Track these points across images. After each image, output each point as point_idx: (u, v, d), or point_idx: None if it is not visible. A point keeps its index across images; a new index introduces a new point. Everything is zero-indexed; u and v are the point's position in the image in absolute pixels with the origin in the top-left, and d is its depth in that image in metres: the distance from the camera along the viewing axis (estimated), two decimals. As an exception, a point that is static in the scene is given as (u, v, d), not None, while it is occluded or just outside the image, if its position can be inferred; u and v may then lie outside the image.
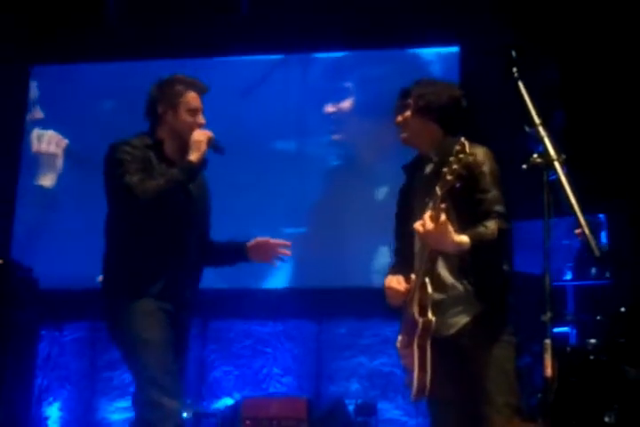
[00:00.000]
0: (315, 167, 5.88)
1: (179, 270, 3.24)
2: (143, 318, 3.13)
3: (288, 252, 3.46)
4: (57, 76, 6.20)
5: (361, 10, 5.75)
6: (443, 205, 2.58)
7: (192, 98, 3.29)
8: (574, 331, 4.74)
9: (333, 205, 5.76)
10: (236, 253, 3.48)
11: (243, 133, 5.76)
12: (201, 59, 6.07)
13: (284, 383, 5.87)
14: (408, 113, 2.96)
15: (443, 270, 2.84)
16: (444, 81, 3.06)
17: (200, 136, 3.22)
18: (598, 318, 4.51)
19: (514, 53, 2.40)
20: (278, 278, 5.81)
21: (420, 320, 2.76)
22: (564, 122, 5.13)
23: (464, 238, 2.66)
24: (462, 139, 2.56)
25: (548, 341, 2.15)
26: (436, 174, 2.69)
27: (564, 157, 2.22)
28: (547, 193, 2.20)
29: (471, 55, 5.50)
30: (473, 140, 2.84)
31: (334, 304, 5.81)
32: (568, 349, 4.46)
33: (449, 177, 2.55)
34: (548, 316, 2.14)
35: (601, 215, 4.98)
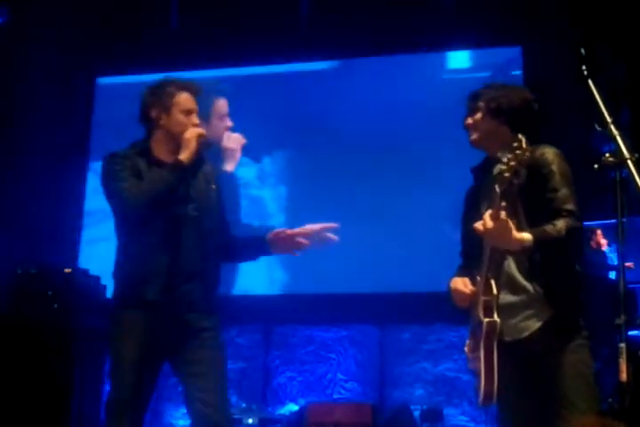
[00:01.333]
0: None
1: (177, 273, 3.17)
2: (121, 333, 3.14)
3: (306, 241, 3.35)
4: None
5: (418, 12, 5.74)
6: (503, 204, 2.55)
7: (185, 99, 3.26)
8: (645, 335, 4.63)
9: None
10: (257, 247, 3.41)
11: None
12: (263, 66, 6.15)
13: (348, 389, 5.85)
14: (479, 115, 2.93)
15: (514, 272, 2.80)
16: (514, 84, 3.04)
17: (190, 134, 3.20)
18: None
19: (583, 51, 2.36)
20: (341, 283, 5.80)
21: (485, 321, 2.73)
22: (631, 120, 5.03)
23: (526, 236, 2.62)
24: (519, 135, 2.53)
25: (622, 345, 2.10)
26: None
27: (637, 155, 2.17)
28: (620, 192, 2.15)
29: (534, 55, 5.43)
30: (541, 140, 2.80)
31: (397, 309, 5.78)
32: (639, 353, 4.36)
33: (506, 174, 2.52)
34: (622, 319, 2.09)
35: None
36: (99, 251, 6.10)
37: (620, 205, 2.18)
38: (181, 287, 3.17)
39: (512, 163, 2.52)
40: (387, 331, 5.89)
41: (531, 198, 2.72)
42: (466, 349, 2.91)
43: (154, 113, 3.26)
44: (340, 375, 5.89)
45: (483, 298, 2.75)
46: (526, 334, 2.75)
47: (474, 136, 2.96)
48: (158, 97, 3.26)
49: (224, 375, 3.22)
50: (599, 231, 4.48)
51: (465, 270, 2.97)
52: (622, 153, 2.19)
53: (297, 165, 6.21)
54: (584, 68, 2.34)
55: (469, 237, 2.92)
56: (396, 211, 5.84)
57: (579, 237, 2.73)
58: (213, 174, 3.40)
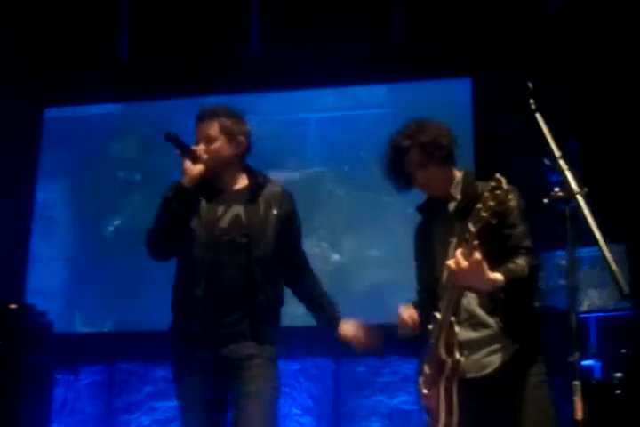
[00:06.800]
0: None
1: (215, 304, 3.06)
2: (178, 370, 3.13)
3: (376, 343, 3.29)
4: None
5: (368, 44, 5.74)
6: (475, 242, 2.50)
7: (196, 129, 3.22)
8: (599, 364, 4.62)
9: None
10: (326, 322, 3.42)
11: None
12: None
13: (302, 424, 5.75)
14: (417, 159, 2.86)
15: (476, 308, 2.77)
16: (437, 121, 2.96)
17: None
18: (623, 351, 4.40)
19: (530, 85, 2.35)
20: (295, 316, 5.72)
21: (449, 360, 2.68)
22: (578, 150, 5.08)
23: (498, 276, 2.58)
24: (497, 175, 2.48)
25: (577, 382, 2.06)
26: (461, 212, 2.64)
27: (586, 190, 2.15)
28: (570, 226, 2.13)
29: (483, 86, 5.46)
30: (489, 173, 2.78)
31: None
32: (594, 382, 4.35)
33: (484, 213, 2.45)
34: (575, 356, 2.05)
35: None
36: (46, 286, 5.98)
37: (571, 237, 2.16)
38: (222, 320, 3.06)
39: (491, 202, 2.44)
40: (341, 364, 5.82)
41: (488, 234, 2.68)
42: (420, 385, 2.85)
43: None
44: (294, 410, 5.79)
45: (445, 336, 2.70)
46: (489, 370, 2.72)
47: (419, 180, 2.91)
48: None
49: (264, 409, 3.06)
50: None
51: (417, 307, 2.93)
52: (571, 188, 2.17)
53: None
54: (532, 102, 2.33)
55: (423, 275, 2.89)
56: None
57: (537, 273, 2.72)
58: (279, 198, 3.20)
